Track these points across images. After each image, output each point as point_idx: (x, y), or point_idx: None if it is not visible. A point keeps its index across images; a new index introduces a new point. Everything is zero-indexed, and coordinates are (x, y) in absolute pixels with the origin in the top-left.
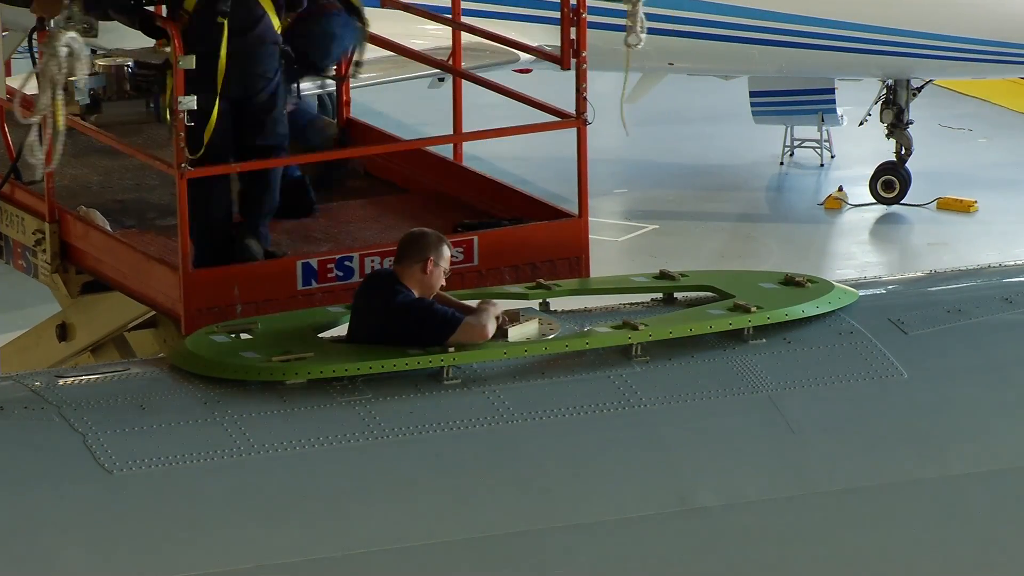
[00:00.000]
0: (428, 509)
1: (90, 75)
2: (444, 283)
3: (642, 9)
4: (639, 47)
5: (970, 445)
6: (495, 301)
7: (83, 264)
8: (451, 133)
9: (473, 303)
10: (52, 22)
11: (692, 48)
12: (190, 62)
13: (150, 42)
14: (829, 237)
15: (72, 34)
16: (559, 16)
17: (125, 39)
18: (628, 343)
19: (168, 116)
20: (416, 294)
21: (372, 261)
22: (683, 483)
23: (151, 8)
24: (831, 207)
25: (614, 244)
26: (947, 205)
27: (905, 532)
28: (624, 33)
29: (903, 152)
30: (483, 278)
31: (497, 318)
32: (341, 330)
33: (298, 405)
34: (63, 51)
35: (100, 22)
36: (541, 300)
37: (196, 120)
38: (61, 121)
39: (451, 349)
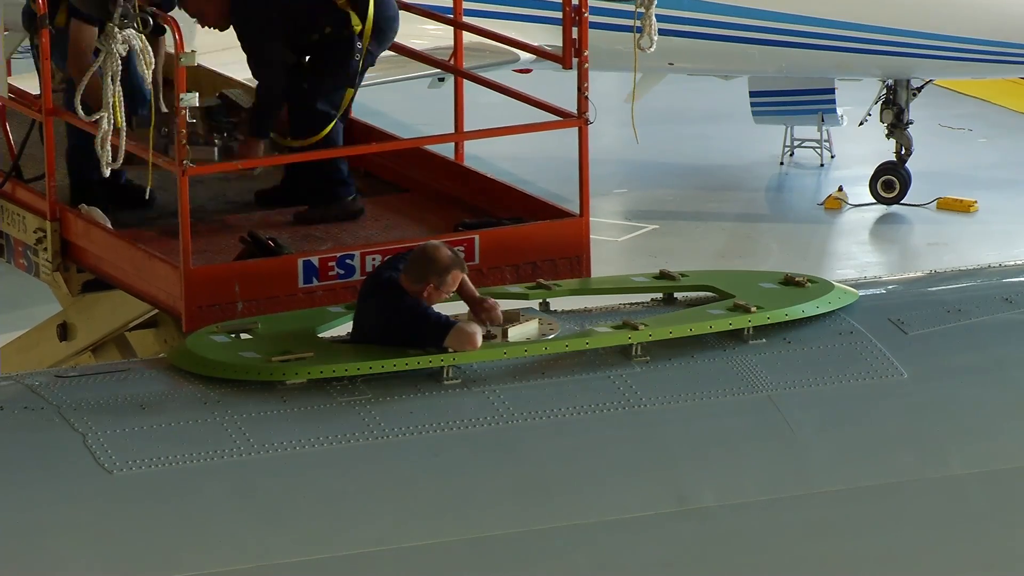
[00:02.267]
0: (428, 509)
1: None
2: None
3: (654, 13)
4: (651, 50)
5: (970, 445)
6: (498, 319)
7: (84, 262)
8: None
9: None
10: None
11: (692, 48)
12: (192, 58)
13: None
14: (829, 237)
15: (129, 31)
16: (559, 16)
17: None
18: (628, 343)
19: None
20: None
21: (373, 259)
22: (683, 483)
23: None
24: (831, 207)
25: (614, 244)
26: (947, 205)
27: (905, 532)
28: (624, 34)
29: (903, 152)
30: (484, 277)
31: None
32: (341, 330)
33: (298, 405)
34: (121, 49)
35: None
36: (541, 300)
37: None
38: (121, 118)
39: (450, 349)
